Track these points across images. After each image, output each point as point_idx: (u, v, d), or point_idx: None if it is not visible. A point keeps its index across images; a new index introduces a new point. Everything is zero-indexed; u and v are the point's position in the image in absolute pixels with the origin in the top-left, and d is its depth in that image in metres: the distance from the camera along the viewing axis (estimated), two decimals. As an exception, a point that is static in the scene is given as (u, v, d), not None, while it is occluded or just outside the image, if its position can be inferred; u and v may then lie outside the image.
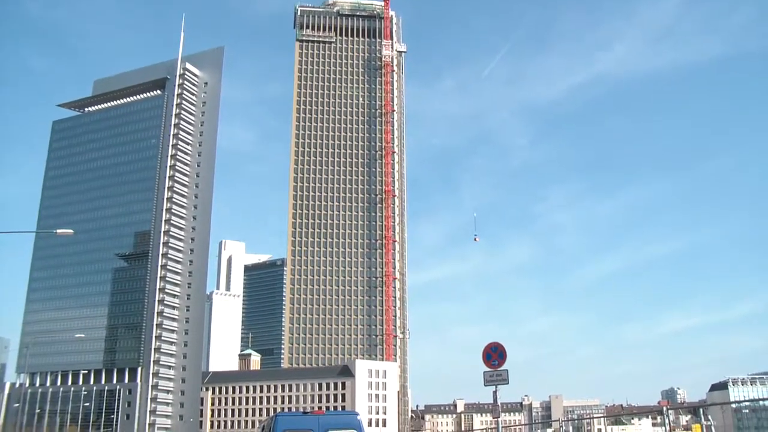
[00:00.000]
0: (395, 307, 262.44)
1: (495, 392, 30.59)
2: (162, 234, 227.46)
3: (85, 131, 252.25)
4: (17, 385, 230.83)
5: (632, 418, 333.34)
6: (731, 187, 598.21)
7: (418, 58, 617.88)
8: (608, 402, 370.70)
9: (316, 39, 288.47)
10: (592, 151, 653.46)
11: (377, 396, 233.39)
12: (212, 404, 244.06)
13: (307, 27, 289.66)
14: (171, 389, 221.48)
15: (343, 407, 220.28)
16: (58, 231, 53.20)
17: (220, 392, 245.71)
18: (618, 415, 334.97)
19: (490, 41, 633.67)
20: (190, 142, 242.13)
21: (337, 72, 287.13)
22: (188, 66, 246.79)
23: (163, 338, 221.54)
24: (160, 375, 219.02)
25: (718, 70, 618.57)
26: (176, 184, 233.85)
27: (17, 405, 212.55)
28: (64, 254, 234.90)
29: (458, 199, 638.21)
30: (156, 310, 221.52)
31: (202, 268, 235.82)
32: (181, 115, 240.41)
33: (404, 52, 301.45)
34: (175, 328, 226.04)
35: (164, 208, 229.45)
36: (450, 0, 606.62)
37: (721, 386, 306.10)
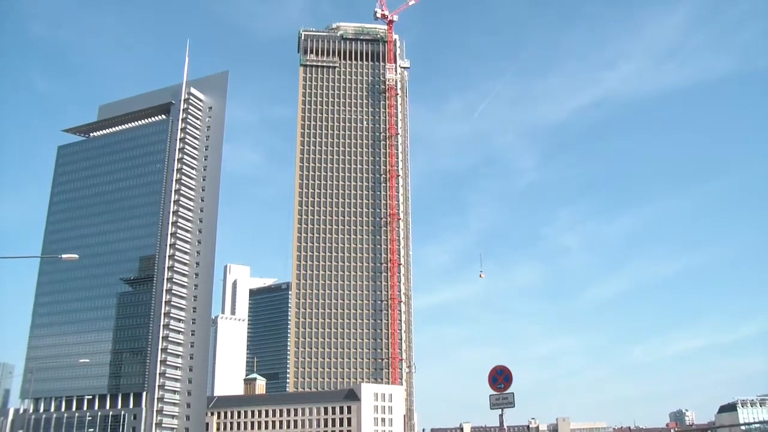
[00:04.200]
0: (401, 330, 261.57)
1: (501, 415, 30.38)
2: (167, 258, 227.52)
3: (90, 156, 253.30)
4: (21, 411, 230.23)
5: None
6: (738, 206, 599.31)
7: (423, 81, 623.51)
8: (616, 424, 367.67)
9: (320, 63, 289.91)
10: (598, 171, 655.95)
11: (383, 420, 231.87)
12: (217, 429, 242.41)
13: (311, 51, 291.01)
14: (176, 414, 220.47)
15: (349, 431, 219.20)
16: (64, 256, 53.18)
17: (225, 417, 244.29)
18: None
19: (496, 63, 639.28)
20: (195, 166, 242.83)
21: (342, 96, 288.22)
22: (193, 91, 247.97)
23: (168, 363, 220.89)
24: (165, 400, 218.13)
25: (724, 87, 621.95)
26: (181, 209, 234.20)
27: (21, 431, 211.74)
28: (69, 279, 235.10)
29: (464, 222, 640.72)
30: (161, 335, 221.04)
31: (207, 293, 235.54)
32: (186, 140, 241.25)
33: (407, 68, 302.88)
34: (180, 353, 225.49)
35: (169, 232, 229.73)
36: (454, 22, 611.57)
37: (730, 408, 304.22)
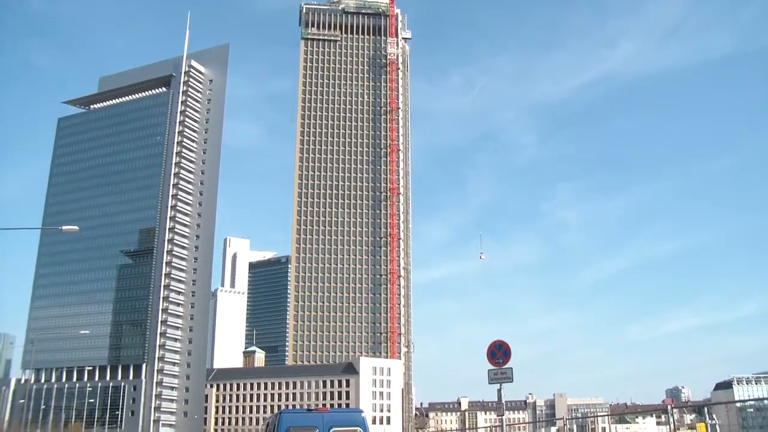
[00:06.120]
0: (400, 304, 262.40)
1: (499, 390, 30.55)
2: (167, 231, 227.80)
3: (90, 128, 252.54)
4: (23, 381, 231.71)
5: (636, 417, 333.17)
6: (737, 186, 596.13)
7: (424, 56, 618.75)
8: (612, 401, 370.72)
9: (321, 37, 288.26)
10: (598, 149, 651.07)
11: (381, 393, 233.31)
12: (217, 401, 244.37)
13: (313, 25, 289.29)
14: (176, 386, 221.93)
15: (348, 405, 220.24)
16: (64, 228, 53.23)
17: (224, 389, 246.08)
18: (622, 413, 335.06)
19: (498, 39, 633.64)
20: (195, 139, 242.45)
21: (343, 70, 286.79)
22: (193, 63, 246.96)
23: (167, 335, 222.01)
24: (164, 372, 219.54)
25: (725, 68, 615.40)
26: (181, 181, 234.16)
27: (22, 401, 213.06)
28: (69, 251, 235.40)
29: (464, 197, 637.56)
30: (161, 307, 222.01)
31: (206, 265, 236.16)
32: (187, 113, 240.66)
33: (409, 39, 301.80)
34: (180, 325, 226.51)
35: (169, 205, 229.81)
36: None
37: (726, 385, 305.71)
